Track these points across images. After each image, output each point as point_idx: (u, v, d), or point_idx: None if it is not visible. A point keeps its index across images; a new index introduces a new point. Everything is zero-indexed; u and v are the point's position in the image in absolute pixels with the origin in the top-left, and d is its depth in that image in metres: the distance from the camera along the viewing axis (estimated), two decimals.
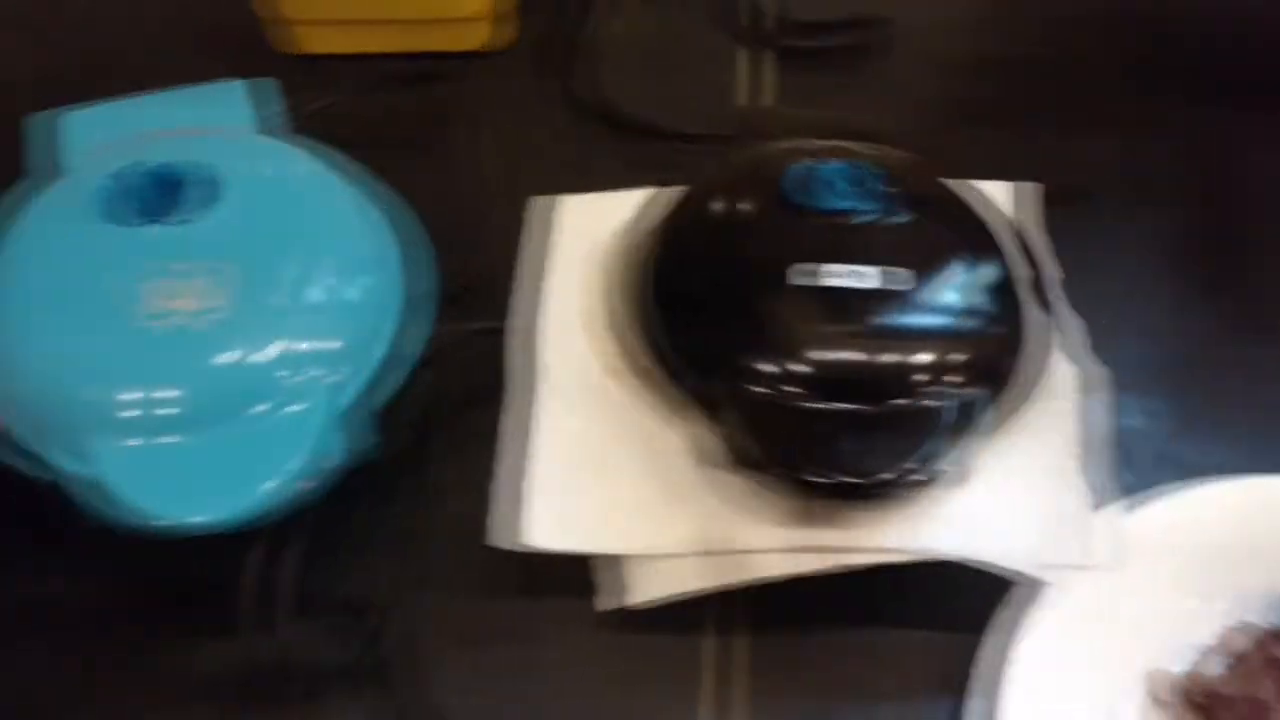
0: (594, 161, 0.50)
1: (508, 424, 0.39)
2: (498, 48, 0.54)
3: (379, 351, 0.38)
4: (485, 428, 0.40)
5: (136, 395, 0.35)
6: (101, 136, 0.42)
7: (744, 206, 0.40)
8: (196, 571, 0.38)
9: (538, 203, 0.44)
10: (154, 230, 0.37)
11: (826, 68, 0.53)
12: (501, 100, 0.54)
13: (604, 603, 0.37)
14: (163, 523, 0.34)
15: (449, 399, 0.42)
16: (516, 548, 0.37)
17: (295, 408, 0.36)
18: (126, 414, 0.35)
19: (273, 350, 0.36)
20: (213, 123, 0.43)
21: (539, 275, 0.42)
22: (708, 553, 0.36)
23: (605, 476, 0.38)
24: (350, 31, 0.54)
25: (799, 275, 0.38)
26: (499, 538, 0.37)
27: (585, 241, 0.42)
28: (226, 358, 0.36)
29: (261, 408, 0.36)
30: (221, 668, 0.38)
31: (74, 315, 0.36)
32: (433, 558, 0.40)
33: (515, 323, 0.41)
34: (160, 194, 0.38)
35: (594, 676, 0.38)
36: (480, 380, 0.41)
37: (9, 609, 0.39)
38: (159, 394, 0.35)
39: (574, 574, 0.38)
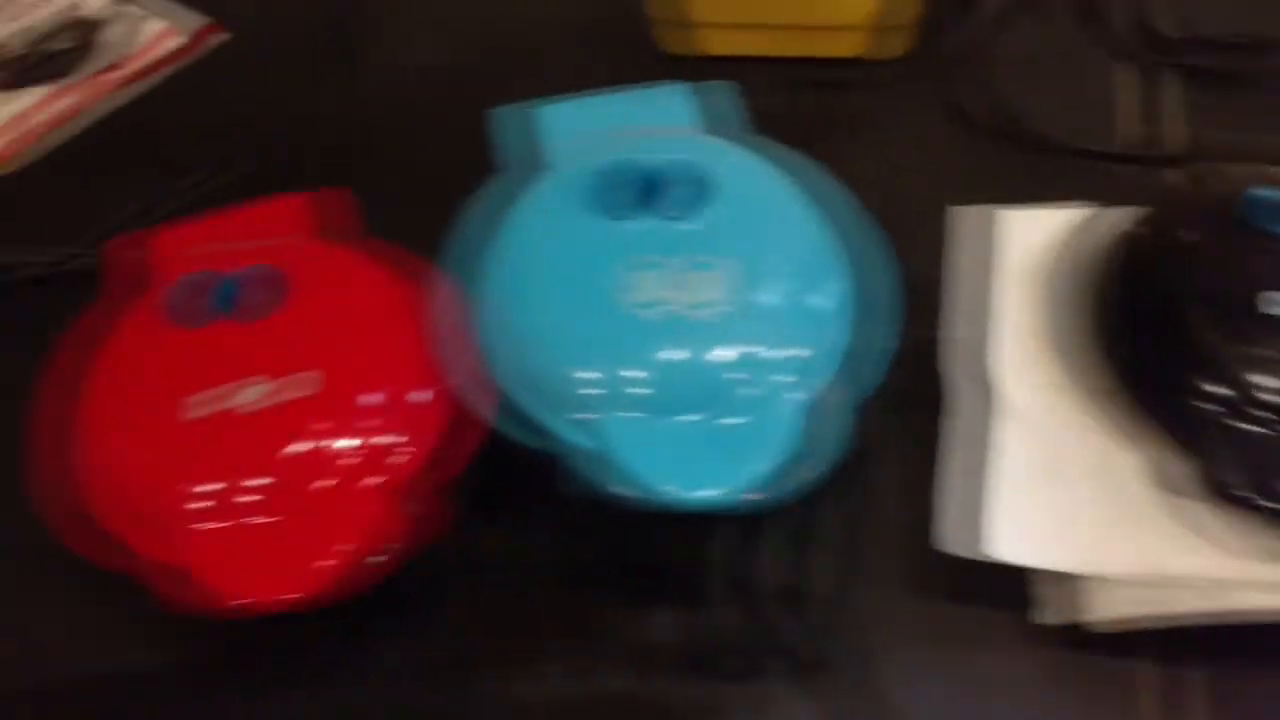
0: (987, 174, 0.51)
1: (955, 433, 0.40)
2: (886, 56, 0.55)
3: (867, 347, 0.39)
4: (920, 431, 0.41)
5: (639, 375, 0.37)
6: (569, 130, 0.45)
7: (1206, 230, 0.40)
8: (653, 547, 0.40)
9: (963, 213, 0.44)
10: (644, 224, 0.39)
11: (1240, 88, 0.52)
12: (887, 108, 0.54)
13: (1044, 617, 0.37)
14: (663, 497, 0.35)
15: (888, 402, 0.42)
16: (974, 556, 0.37)
17: (782, 399, 0.37)
18: (631, 391, 0.37)
19: (760, 343, 0.38)
20: (667, 122, 0.44)
21: (980, 287, 0.42)
22: (1173, 580, 0.36)
23: (1059, 493, 0.38)
24: (738, 35, 0.55)
25: (1269, 304, 0.37)
26: (952, 544, 0.37)
27: (1028, 255, 0.43)
28: (718, 347, 0.37)
29: (749, 397, 0.37)
30: (670, 639, 0.39)
31: (574, 297, 0.39)
32: (870, 556, 0.41)
33: (957, 333, 0.41)
34: (649, 190, 0.40)
35: (1030, 691, 0.38)
36: (914, 385, 0.41)
37: (489, 558, 0.41)
38: (658, 375, 0.37)
39: (1007, 585, 0.38)
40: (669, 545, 0.41)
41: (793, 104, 0.54)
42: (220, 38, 0.62)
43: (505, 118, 0.45)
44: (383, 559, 0.36)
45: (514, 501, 0.42)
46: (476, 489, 0.40)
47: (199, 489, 0.36)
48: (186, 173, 0.54)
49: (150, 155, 0.58)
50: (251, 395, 0.37)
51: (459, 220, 0.43)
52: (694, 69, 0.56)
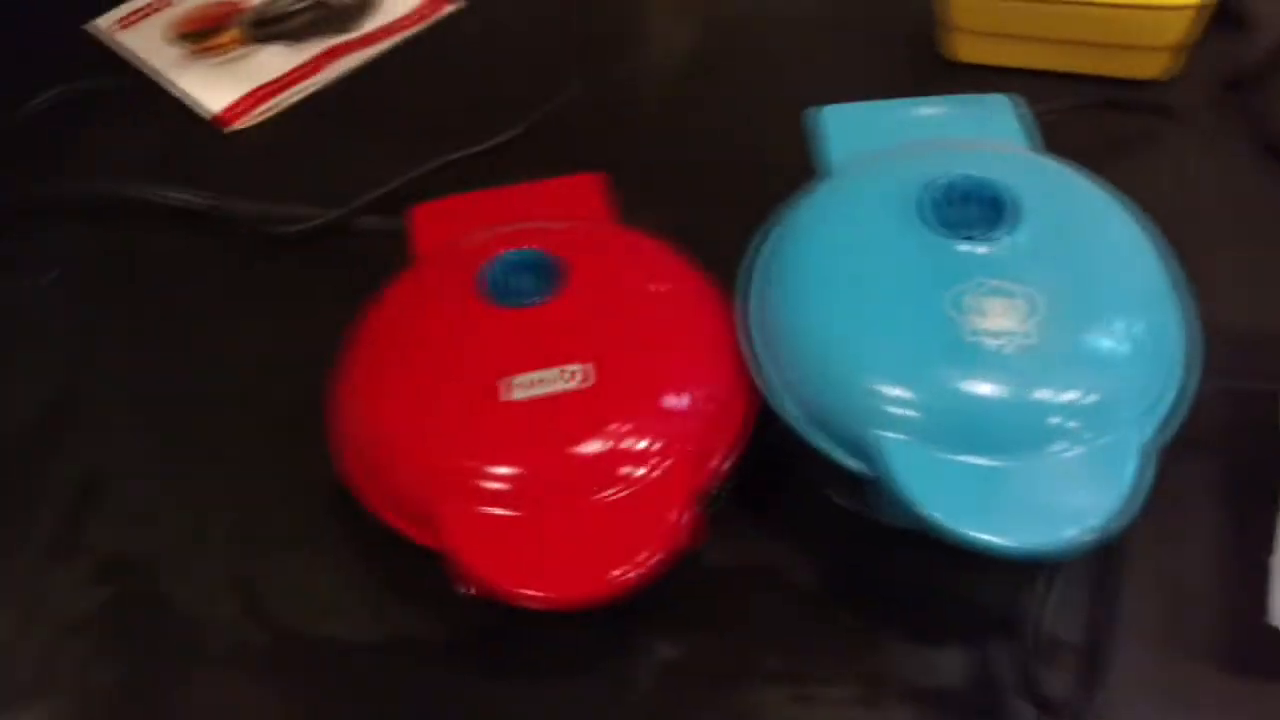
0: None
1: None
2: (1165, 78, 0.52)
3: (1173, 387, 0.37)
4: (1213, 481, 0.39)
5: (952, 404, 0.35)
6: (864, 136, 0.43)
7: None
8: (930, 577, 0.39)
9: None
10: (962, 242, 0.37)
11: None
12: (1179, 129, 0.52)
13: None
14: (961, 537, 0.33)
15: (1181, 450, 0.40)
16: None
17: (1103, 442, 0.35)
18: (938, 420, 0.35)
19: (1081, 382, 0.35)
20: (987, 135, 0.42)
21: None
22: None
23: None
24: (1031, 48, 0.53)
25: None
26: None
27: None
28: (1035, 384, 0.35)
29: (1066, 440, 0.35)
30: (954, 682, 0.37)
31: (884, 312, 0.37)
32: (1140, 618, 0.38)
33: None
34: (972, 206, 0.38)
35: None
36: (1204, 434, 0.39)
37: (759, 568, 0.40)
38: (975, 408, 0.35)
39: None
40: (950, 575, 0.39)
41: (1080, 123, 0.51)
42: (459, 5, 0.61)
43: (827, 118, 0.43)
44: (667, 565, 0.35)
45: (787, 511, 0.41)
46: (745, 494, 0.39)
47: (510, 472, 0.35)
48: (437, 140, 0.53)
49: (398, 120, 0.57)
50: (564, 382, 0.36)
51: (768, 219, 0.42)
52: (974, 78, 0.54)
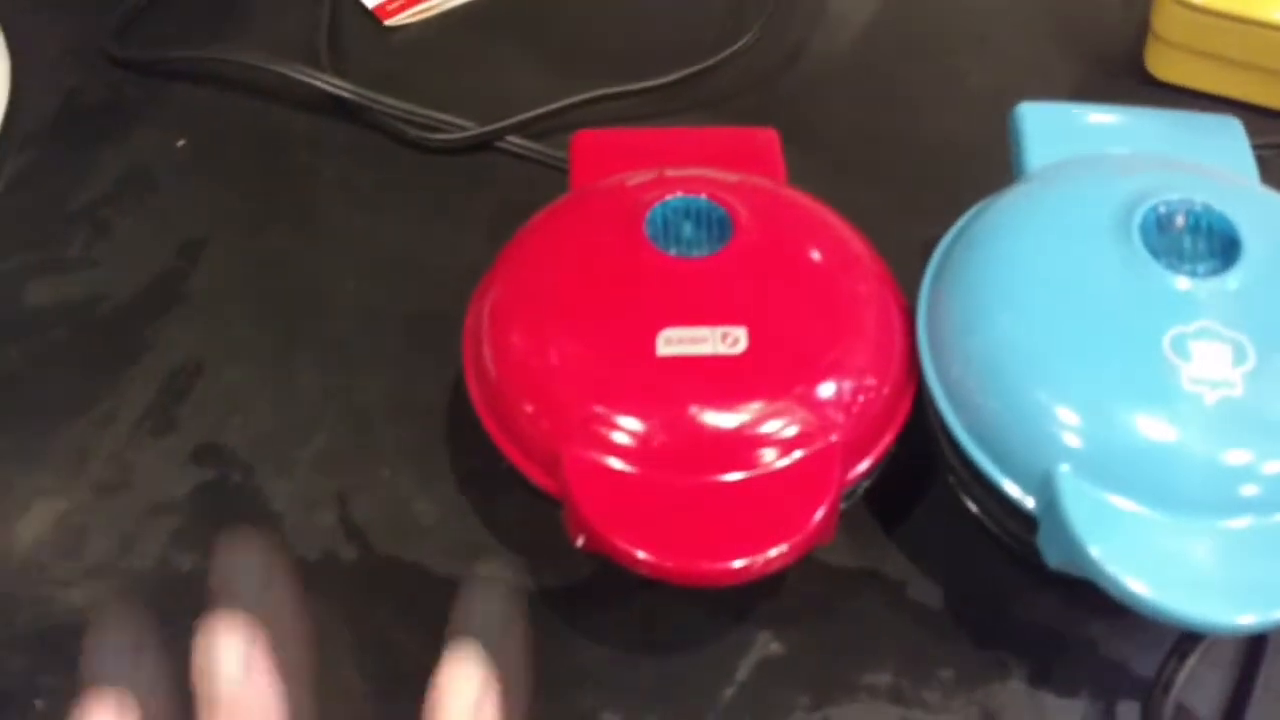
0: None
1: None
2: None
3: None
4: None
5: (1140, 445, 0.32)
6: (1067, 140, 0.40)
7: None
8: (1062, 621, 0.36)
9: None
10: (1186, 277, 0.34)
11: None
12: None
13: None
14: (1121, 589, 0.31)
15: None
16: None
17: None
18: (1114, 461, 0.32)
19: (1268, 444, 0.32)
20: (1196, 157, 0.39)
21: None
22: None
23: None
24: (1240, 75, 0.50)
25: None
26: None
27: None
28: (1227, 443, 0.32)
29: (1254, 511, 0.32)
30: None
31: (1086, 338, 0.34)
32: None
33: None
34: (1200, 238, 0.35)
35: None
36: None
37: (858, 579, 0.38)
38: (1161, 453, 0.32)
39: None
40: (1085, 624, 0.37)
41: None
42: None
43: (1026, 115, 0.40)
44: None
45: (920, 523, 0.39)
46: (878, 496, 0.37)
47: (642, 428, 0.33)
48: (598, 69, 0.51)
49: (562, 42, 0.54)
50: (719, 344, 0.33)
51: (965, 214, 0.39)
52: (1173, 99, 0.51)
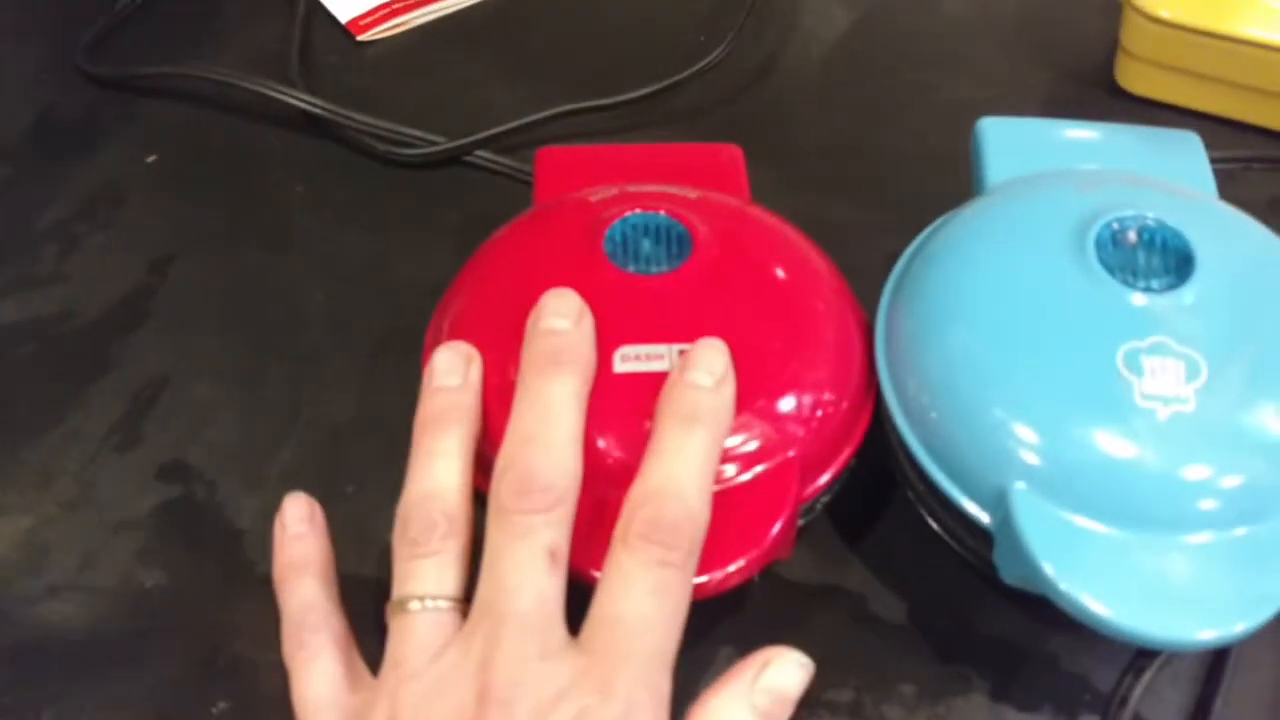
0: None
1: None
2: None
3: None
4: None
5: (1095, 461, 0.32)
6: (1028, 155, 0.40)
7: None
8: (1022, 637, 0.36)
9: None
10: (1141, 293, 0.34)
11: None
12: None
13: None
14: (1074, 605, 0.31)
15: None
16: None
17: (1257, 528, 0.32)
18: (1068, 477, 0.32)
19: (1238, 460, 0.32)
20: (1155, 171, 0.39)
21: None
22: None
23: None
24: (1213, 89, 0.50)
25: None
26: None
27: None
28: (1181, 458, 0.32)
29: (1210, 526, 0.32)
30: None
31: (1041, 354, 0.34)
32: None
33: None
34: (1155, 254, 0.35)
35: None
36: None
37: (818, 594, 0.38)
38: (1117, 469, 0.32)
39: None
40: (1044, 639, 0.37)
41: (1253, 179, 0.48)
42: None
43: (987, 130, 0.40)
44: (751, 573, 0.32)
45: (881, 538, 0.39)
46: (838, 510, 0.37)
47: (611, 452, 0.33)
48: (567, 85, 0.51)
49: (532, 58, 0.55)
50: (676, 362, 0.33)
51: (926, 230, 0.39)
52: (1142, 112, 0.51)
